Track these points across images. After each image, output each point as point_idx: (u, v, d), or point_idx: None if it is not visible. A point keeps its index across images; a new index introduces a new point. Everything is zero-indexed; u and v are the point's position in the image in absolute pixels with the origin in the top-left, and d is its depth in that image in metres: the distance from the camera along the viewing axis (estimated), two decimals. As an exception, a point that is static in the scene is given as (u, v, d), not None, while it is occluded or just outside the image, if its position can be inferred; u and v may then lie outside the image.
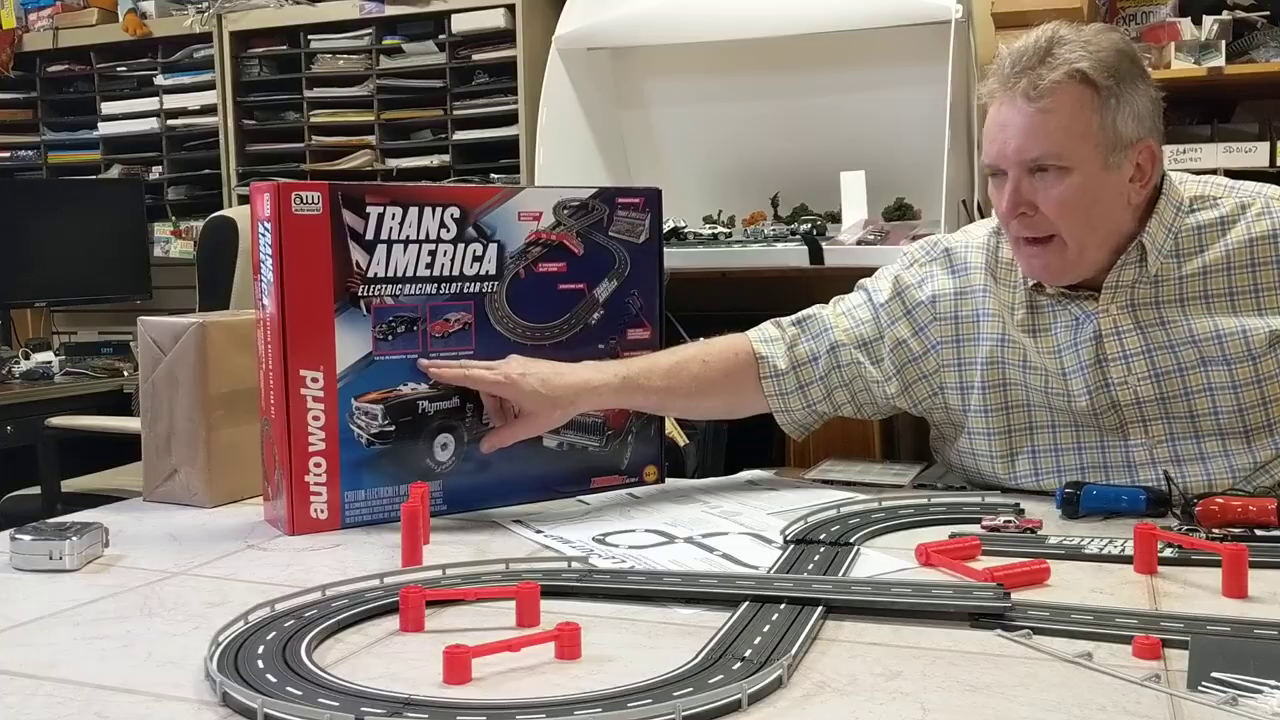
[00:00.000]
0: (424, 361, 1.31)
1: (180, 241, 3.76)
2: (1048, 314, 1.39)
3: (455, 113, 3.41)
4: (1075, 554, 1.13)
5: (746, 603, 0.97)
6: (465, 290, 1.33)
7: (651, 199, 1.46)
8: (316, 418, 1.26)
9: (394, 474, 1.30)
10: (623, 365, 1.40)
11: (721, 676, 0.80)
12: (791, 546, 1.16)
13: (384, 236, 1.28)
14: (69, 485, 2.55)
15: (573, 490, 1.42)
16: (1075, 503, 1.27)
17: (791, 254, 2.44)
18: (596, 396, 1.36)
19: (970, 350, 1.42)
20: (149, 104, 3.84)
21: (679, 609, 0.99)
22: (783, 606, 0.96)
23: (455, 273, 1.32)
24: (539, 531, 1.26)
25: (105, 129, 3.90)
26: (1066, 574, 1.07)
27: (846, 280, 1.59)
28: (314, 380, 1.25)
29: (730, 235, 2.69)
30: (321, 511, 1.27)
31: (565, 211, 1.39)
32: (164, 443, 1.41)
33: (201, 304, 2.46)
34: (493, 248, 1.35)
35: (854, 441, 2.10)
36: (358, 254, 1.27)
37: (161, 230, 3.83)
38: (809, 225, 2.54)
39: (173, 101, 3.80)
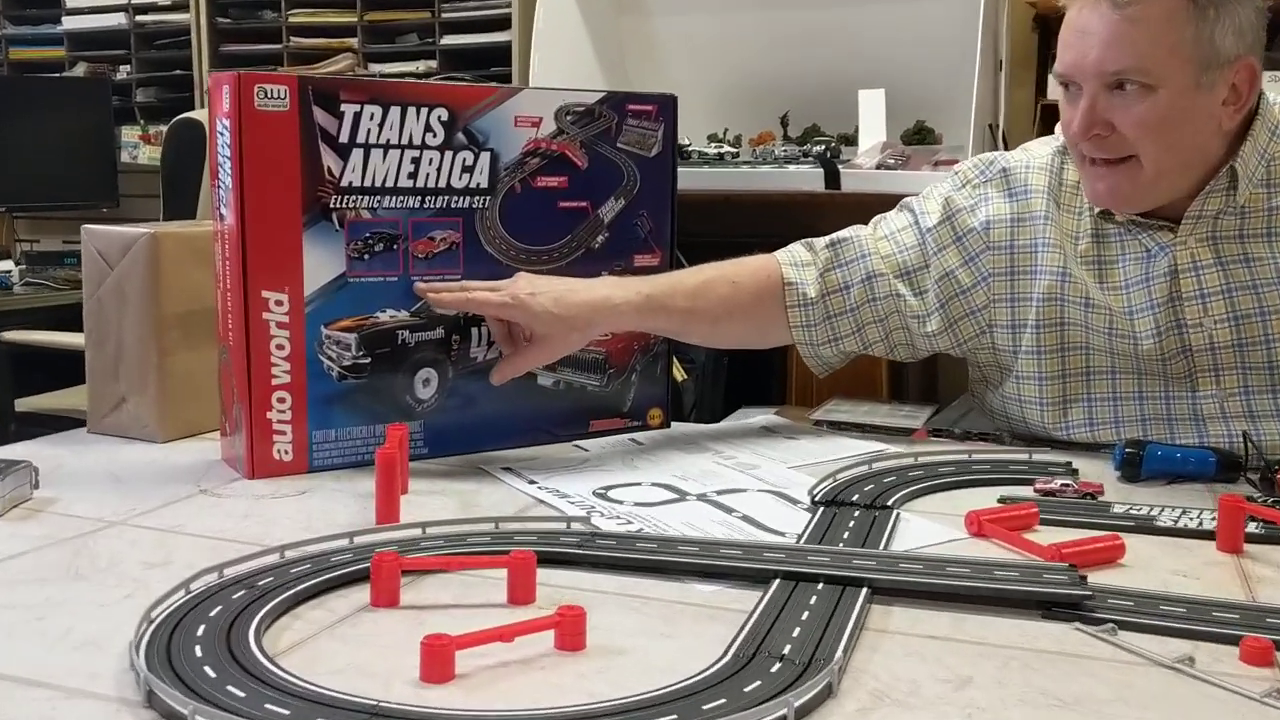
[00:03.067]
0: (421, 285, 1.15)
1: (149, 147, 3.57)
2: (1115, 245, 1.23)
3: (444, 15, 3.24)
4: (1146, 526, 0.99)
5: (778, 580, 0.83)
6: (453, 205, 1.17)
7: (666, 107, 1.29)
8: (280, 346, 1.10)
9: (369, 412, 1.15)
10: (645, 282, 1.24)
11: (759, 684, 0.66)
12: (822, 509, 1.02)
13: (360, 140, 1.11)
14: (23, 404, 2.40)
15: (569, 434, 1.27)
16: (1137, 464, 1.13)
17: (805, 177, 2.27)
18: (617, 315, 1.21)
19: (1025, 284, 1.27)
20: (117, -2, 3.63)
21: (697, 584, 0.85)
22: (820, 587, 0.82)
23: (441, 184, 1.16)
24: (532, 482, 1.11)
25: (70, 24, 3.70)
26: (1139, 551, 0.93)
27: (862, 208, 1.43)
28: (278, 303, 1.09)
29: (737, 155, 2.52)
30: (285, 453, 1.12)
31: (569, 118, 1.22)
32: (111, 367, 1.26)
33: (166, 213, 2.29)
34: (485, 157, 1.18)
35: (861, 380, 1.96)
36: (330, 159, 1.10)
37: (129, 134, 3.65)
38: (822, 147, 2.37)
39: (142, -5, 3.59)
